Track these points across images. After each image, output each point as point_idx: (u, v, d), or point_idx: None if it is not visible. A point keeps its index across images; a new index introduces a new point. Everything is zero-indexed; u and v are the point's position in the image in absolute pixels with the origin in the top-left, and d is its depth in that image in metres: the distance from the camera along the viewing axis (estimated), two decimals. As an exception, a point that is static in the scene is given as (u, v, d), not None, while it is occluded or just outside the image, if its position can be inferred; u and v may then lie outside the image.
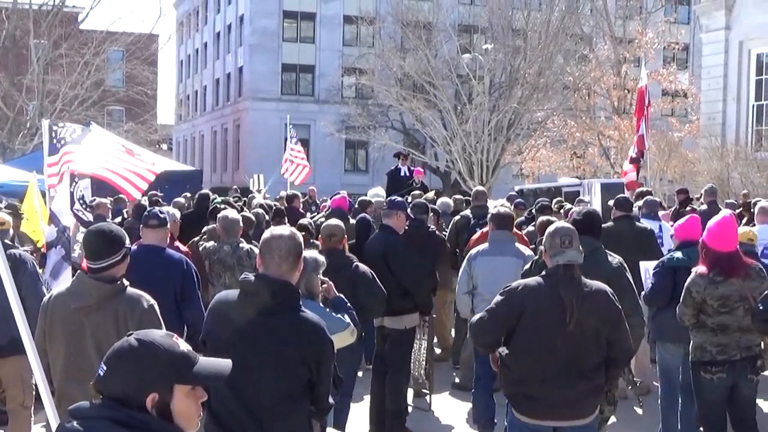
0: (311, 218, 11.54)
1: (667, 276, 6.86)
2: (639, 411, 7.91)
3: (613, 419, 7.21)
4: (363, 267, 6.86)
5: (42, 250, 8.09)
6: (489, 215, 7.98)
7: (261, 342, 3.89)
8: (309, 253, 5.17)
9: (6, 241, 6.91)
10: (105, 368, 2.48)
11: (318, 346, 3.95)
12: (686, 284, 6.05)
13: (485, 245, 7.55)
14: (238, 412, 3.93)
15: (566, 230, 4.94)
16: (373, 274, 6.85)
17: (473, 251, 7.59)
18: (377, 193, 13.59)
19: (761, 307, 5.79)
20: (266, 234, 4.15)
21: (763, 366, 6.13)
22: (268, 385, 3.91)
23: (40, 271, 6.79)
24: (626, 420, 7.95)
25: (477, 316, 5.12)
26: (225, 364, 2.66)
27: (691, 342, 6.20)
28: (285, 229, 4.18)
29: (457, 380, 9.63)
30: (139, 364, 2.46)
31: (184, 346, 2.56)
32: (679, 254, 6.95)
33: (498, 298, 4.93)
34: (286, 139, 19.41)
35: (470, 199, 12.30)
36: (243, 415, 3.92)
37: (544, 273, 4.93)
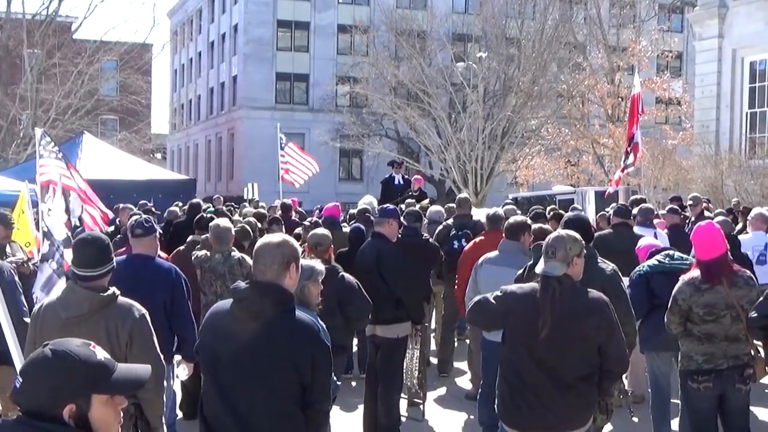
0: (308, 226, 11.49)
1: (640, 285, 6.89)
2: (635, 419, 7.90)
3: (609, 427, 7.19)
4: (349, 277, 6.82)
5: (29, 254, 8.06)
6: (505, 224, 7.52)
7: (253, 347, 3.83)
8: (305, 261, 5.13)
9: None
10: (21, 380, 2.40)
11: (311, 348, 3.84)
12: (673, 292, 6.02)
13: (494, 253, 7.22)
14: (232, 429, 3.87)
15: (554, 240, 4.90)
16: (359, 284, 6.81)
17: (480, 259, 7.33)
18: (369, 202, 13.52)
19: (755, 314, 5.75)
20: (258, 242, 4.11)
21: (753, 376, 6.04)
22: (263, 399, 3.83)
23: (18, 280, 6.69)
24: (621, 428, 7.91)
25: (475, 299, 5.13)
26: (143, 370, 2.62)
27: (679, 351, 6.17)
28: (276, 237, 4.10)
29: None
30: (55, 375, 2.39)
31: (101, 354, 2.49)
32: (650, 261, 7.04)
33: (496, 293, 4.97)
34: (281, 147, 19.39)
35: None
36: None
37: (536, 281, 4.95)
